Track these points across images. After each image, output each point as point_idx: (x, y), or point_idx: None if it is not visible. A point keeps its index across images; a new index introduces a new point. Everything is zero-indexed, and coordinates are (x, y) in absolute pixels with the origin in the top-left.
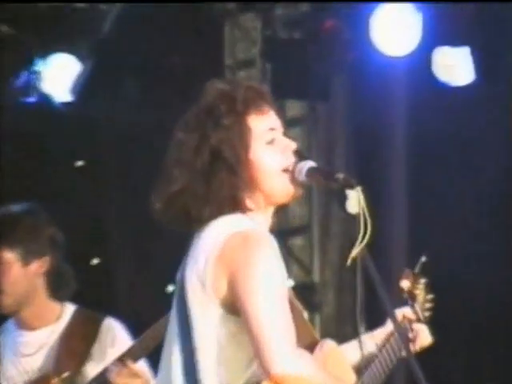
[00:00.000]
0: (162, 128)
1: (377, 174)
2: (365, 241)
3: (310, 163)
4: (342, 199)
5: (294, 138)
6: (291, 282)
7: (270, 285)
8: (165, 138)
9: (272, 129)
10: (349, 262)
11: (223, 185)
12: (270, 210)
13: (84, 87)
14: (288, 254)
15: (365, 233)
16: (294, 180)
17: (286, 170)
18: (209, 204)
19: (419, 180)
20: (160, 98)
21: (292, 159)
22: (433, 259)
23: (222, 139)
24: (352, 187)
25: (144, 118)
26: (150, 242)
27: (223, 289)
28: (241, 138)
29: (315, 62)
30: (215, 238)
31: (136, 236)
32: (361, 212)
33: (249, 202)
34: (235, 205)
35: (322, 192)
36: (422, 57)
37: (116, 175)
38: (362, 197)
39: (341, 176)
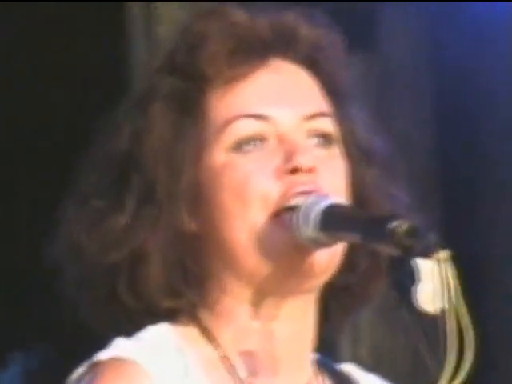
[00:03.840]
0: None
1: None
2: (462, 372)
3: (331, 199)
4: (406, 279)
5: None
6: None
7: None
8: None
9: (258, 116)
10: None
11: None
12: (278, 304)
13: None
14: None
15: (461, 354)
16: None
17: (283, 213)
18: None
19: None
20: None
21: (302, 186)
22: None
23: (142, 130)
24: (429, 253)
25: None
26: None
27: None
28: (178, 132)
29: None
30: None
31: None
32: (450, 308)
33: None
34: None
35: None
36: None
37: None
38: (451, 274)
39: (403, 227)
